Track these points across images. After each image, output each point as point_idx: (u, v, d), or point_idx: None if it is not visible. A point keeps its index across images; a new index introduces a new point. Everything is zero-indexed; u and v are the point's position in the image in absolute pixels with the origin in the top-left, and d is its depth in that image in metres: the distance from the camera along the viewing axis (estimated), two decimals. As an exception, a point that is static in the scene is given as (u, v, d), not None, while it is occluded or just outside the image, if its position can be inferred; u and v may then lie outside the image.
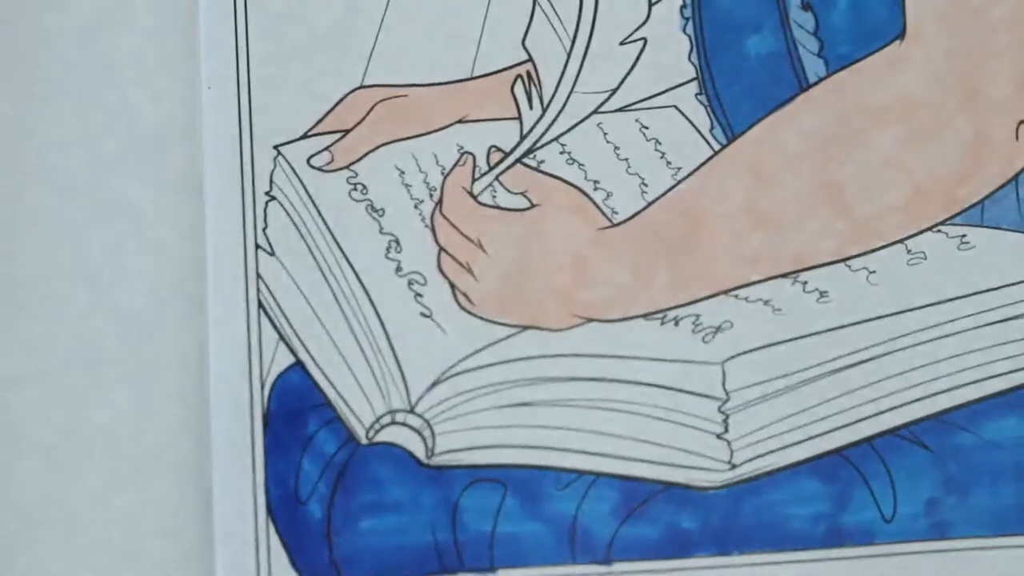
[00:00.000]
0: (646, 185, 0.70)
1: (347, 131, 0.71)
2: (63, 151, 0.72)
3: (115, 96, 0.72)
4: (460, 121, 0.71)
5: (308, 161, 0.70)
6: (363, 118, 0.71)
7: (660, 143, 0.70)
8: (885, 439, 0.68)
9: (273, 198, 0.70)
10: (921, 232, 0.69)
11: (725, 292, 0.69)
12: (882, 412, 0.68)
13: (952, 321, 0.69)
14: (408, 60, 0.71)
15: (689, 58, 0.70)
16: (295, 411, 0.69)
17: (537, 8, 0.71)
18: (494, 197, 0.70)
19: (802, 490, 0.68)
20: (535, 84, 0.70)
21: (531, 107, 0.70)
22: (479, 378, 0.68)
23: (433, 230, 0.70)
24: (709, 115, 0.70)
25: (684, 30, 0.70)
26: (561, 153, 0.70)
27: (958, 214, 0.70)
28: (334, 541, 0.68)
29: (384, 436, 0.69)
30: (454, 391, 0.68)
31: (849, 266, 0.69)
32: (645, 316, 0.69)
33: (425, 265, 0.70)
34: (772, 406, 0.68)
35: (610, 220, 0.70)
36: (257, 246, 0.70)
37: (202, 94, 0.71)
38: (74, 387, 0.71)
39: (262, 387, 0.69)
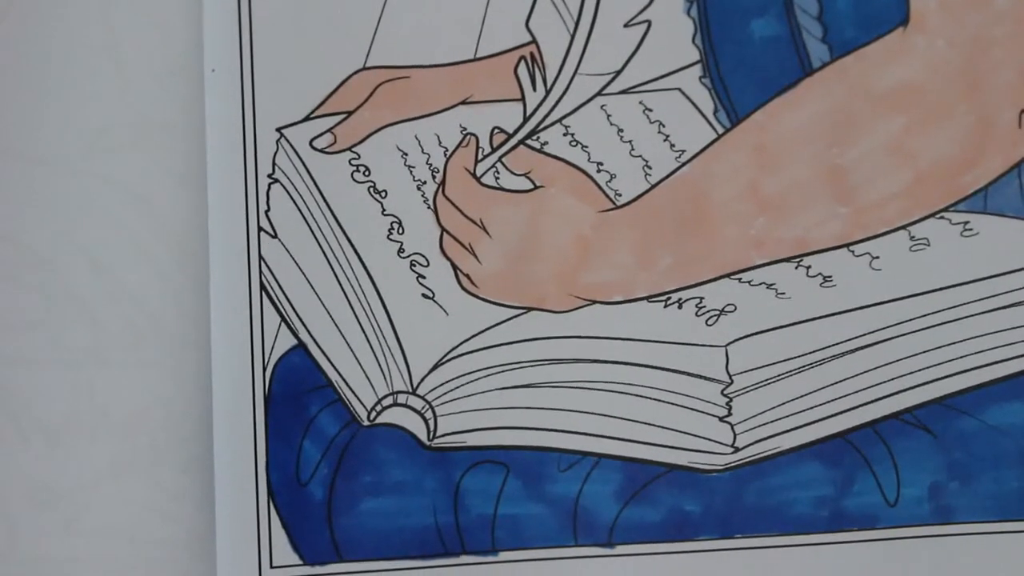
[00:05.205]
0: (649, 167, 0.70)
1: (349, 113, 0.71)
2: (67, 134, 0.72)
3: (119, 79, 0.72)
4: (463, 102, 0.71)
5: (311, 143, 0.70)
6: (365, 100, 0.71)
7: (664, 126, 0.70)
8: (889, 423, 0.69)
9: (276, 180, 0.70)
10: (924, 218, 0.69)
11: (728, 275, 0.69)
12: (886, 396, 0.69)
13: (955, 307, 0.69)
14: (411, 41, 0.71)
15: (693, 41, 0.70)
16: (297, 393, 0.69)
17: (541, -11, 0.71)
18: (497, 179, 0.70)
19: (805, 474, 0.68)
20: (539, 65, 0.70)
21: (534, 88, 0.70)
22: (481, 360, 0.68)
23: (436, 212, 0.70)
24: (713, 98, 0.70)
25: (688, 13, 0.70)
26: (564, 135, 0.70)
27: (961, 201, 0.70)
28: (335, 523, 0.68)
29: (386, 418, 0.69)
30: (456, 373, 0.68)
31: (852, 251, 0.69)
32: (648, 298, 0.69)
33: (428, 247, 0.70)
34: (775, 389, 0.68)
35: (613, 202, 0.70)
36: (260, 228, 0.70)
37: (206, 77, 0.71)
38: (77, 370, 0.71)
39: (264, 369, 0.69)
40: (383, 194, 0.70)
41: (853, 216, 0.69)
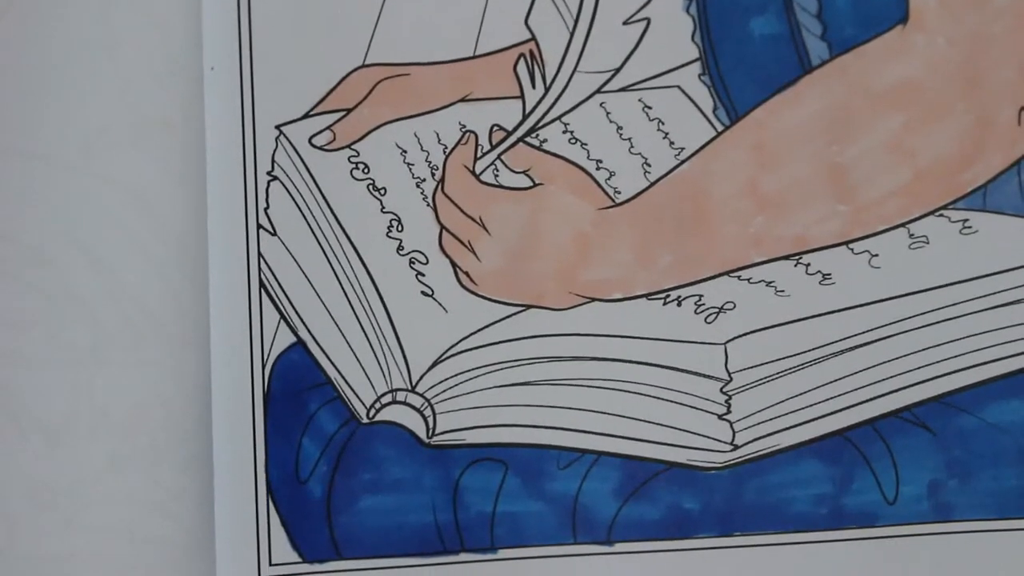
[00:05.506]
0: (649, 165, 0.70)
1: (349, 110, 0.71)
2: (67, 133, 0.72)
3: (119, 77, 0.73)
4: (462, 100, 0.71)
5: (310, 140, 0.70)
6: (365, 97, 0.71)
7: (663, 123, 0.70)
8: (888, 421, 0.69)
9: (275, 178, 0.70)
10: (923, 216, 0.69)
11: (728, 273, 0.69)
12: (885, 394, 0.68)
13: (954, 305, 0.69)
14: (410, 39, 0.71)
15: (692, 38, 0.70)
16: (296, 390, 0.69)
17: (540, -13, 0.71)
18: (496, 176, 0.70)
19: (804, 471, 0.68)
20: (538, 63, 0.70)
21: (534, 86, 0.70)
22: (481, 357, 0.68)
23: (435, 209, 0.70)
24: (712, 96, 0.70)
25: (687, 10, 0.70)
26: (564, 132, 0.70)
27: (960, 198, 0.70)
28: (334, 520, 0.68)
29: (385, 415, 0.69)
30: (455, 370, 0.68)
31: (851, 249, 0.69)
32: (647, 296, 0.69)
33: (427, 244, 0.70)
34: (775, 387, 0.68)
35: (613, 200, 0.70)
36: (259, 226, 0.70)
37: (205, 75, 0.71)
38: (76, 368, 0.71)
39: (263, 366, 0.69)
40: (382, 191, 0.70)
41: (852, 214, 0.69)
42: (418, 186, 0.70)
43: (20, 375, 0.71)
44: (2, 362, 0.71)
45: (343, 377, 0.69)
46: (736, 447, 0.68)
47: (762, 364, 0.68)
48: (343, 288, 0.69)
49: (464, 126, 0.71)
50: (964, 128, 0.69)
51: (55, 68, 0.73)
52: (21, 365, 0.72)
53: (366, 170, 0.70)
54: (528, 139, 0.70)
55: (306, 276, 0.70)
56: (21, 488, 0.71)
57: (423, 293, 0.69)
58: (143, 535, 0.71)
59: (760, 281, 0.69)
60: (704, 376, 0.68)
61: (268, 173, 0.70)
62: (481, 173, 0.70)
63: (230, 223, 0.70)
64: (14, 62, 0.73)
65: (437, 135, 0.71)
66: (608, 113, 0.71)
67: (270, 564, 0.68)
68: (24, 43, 0.73)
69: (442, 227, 0.70)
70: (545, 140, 0.70)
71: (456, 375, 0.68)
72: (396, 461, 0.69)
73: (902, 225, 0.69)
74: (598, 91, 0.70)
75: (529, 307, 0.69)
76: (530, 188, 0.70)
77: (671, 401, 0.68)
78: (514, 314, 0.69)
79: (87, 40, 0.73)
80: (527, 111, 0.70)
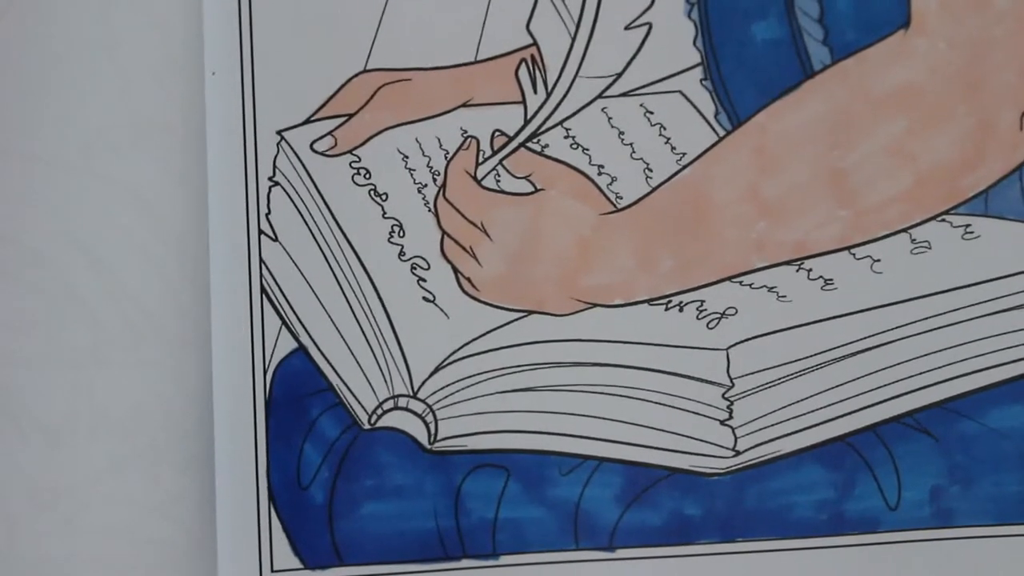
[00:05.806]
0: (650, 170, 0.70)
1: (350, 115, 0.70)
2: (68, 137, 0.72)
3: (120, 82, 0.72)
4: (464, 105, 0.71)
5: (311, 146, 0.70)
6: (366, 102, 0.70)
7: (665, 128, 0.70)
8: (890, 427, 0.68)
9: (276, 183, 0.70)
10: (925, 221, 0.69)
11: (730, 278, 0.69)
12: (887, 400, 0.68)
13: (957, 310, 0.69)
14: (412, 44, 0.71)
15: (694, 43, 0.70)
16: (297, 396, 0.69)
17: (542, -8, 0.71)
18: (498, 181, 0.70)
19: (806, 477, 0.68)
20: (539, 68, 0.70)
21: (535, 91, 0.70)
22: (482, 363, 0.68)
23: (436, 215, 0.70)
24: (714, 100, 0.70)
25: (689, 15, 0.70)
26: (565, 137, 0.70)
27: (962, 203, 0.69)
28: (336, 526, 0.68)
29: (387, 421, 0.69)
30: (457, 376, 0.68)
31: (853, 254, 0.69)
32: (649, 301, 0.69)
33: (428, 250, 0.70)
34: (776, 393, 0.68)
35: (614, 205, 0.70)
36: (260, 231, 0.70)
37: (206, 80, 0.71)
38: (77, 371, 0.71)
39: (264, 372, 0.69)
40: (384, 197, 0.70)
41: (853, 219, 0.69)
42: (420, 192, 0.70)
43: (20, 375, 0.72)
44: (2, 362, 0.72)
45: (344, 383, 0.69)
46: (738, 453, 0.68)
47: (764, 369, 0.68)
48: (344, 294, 0.69)
49: (465, 131, 0.70)
50: (965, 132, 0.69)
51: (55, 68, 0.73)
52: (21, 365, 0.72)
53: (367, 176, 0.70)
54: (529, 144, 0.70)
55: (307, 282, 0.70)
56: (21, 489, 0.71)
57: (424, 299, 0.69)
58: (143, 536, 0.71)
59: (762, 286, 0.69)
60: (706, 382, 0.68)
61: (269, 179, 0.70)
62: (483, 178, 0.70)
63: (231, 228, 0.70)
64: (14, 62, 0.73)
65: (439, 140, 0.70)
66: (610, 118, 0.70)
67: (272, 570, 0.68)
68: (24, 43, 0.73)
69: (443, 232, 0.70)
70: (547, 145, 0.70)
71: (458, 381, 0.68)
72: (398, 467, 0.69)
73: (904, 230, 0.69)
74: (600, 96, 0.70)
75: (530, 312, 0.69)
76: (531, 193, 0.70)
77: (673, 407, 0.68)
78: (515, 320, 0.69)
79: (87, 40, 0.73)
80: (528, 116, 0.70)
